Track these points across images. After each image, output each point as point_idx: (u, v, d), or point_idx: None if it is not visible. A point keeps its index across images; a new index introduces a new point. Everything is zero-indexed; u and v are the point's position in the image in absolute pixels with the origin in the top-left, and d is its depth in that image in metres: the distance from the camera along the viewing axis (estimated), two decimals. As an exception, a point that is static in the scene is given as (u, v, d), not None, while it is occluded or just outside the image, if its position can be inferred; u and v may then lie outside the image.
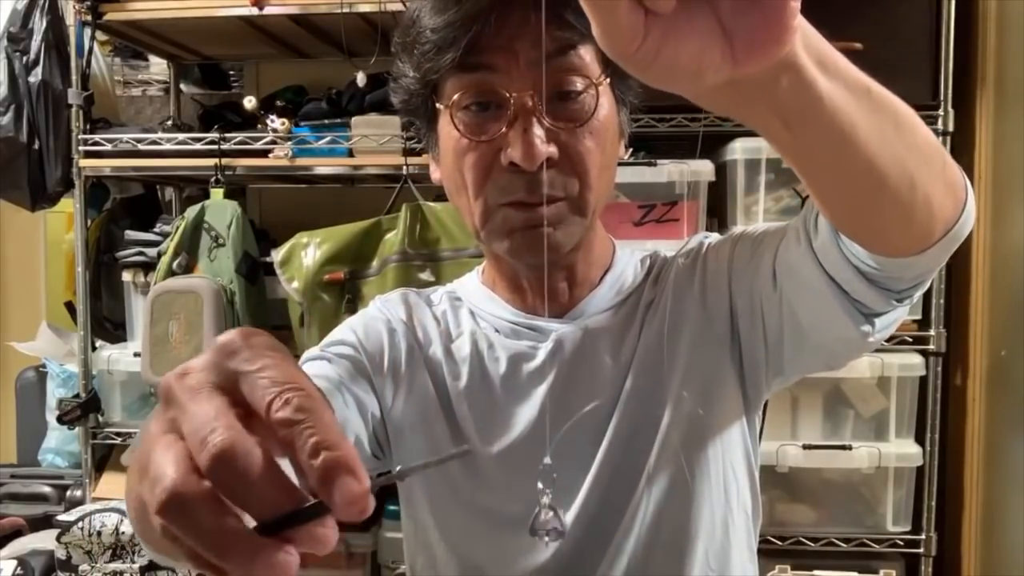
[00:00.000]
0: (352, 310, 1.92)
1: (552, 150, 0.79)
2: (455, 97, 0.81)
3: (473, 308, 0.94)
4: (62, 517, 2.13)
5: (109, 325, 2.43)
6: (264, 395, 0.40)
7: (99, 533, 2.01)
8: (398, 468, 0.45)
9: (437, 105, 0.83)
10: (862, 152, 0.54)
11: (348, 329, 0.93)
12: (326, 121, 2.14)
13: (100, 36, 2.32)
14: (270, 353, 0.43)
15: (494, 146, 0.80)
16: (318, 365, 0.87)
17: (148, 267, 2.24)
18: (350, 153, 2.10)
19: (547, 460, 0.61)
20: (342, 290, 2.01)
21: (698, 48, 0.41)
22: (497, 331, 0.91)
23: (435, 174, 0.91)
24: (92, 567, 2.03)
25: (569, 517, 0.85)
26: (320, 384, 0.82)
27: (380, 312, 0.95)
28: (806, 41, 0.47)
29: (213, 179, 2.15)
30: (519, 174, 0.79)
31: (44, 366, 2.77)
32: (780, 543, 1.96)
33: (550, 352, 0.88)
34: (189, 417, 0.40)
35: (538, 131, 0.78)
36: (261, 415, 0.40)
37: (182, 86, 2.75)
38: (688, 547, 0.84)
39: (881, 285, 0.69)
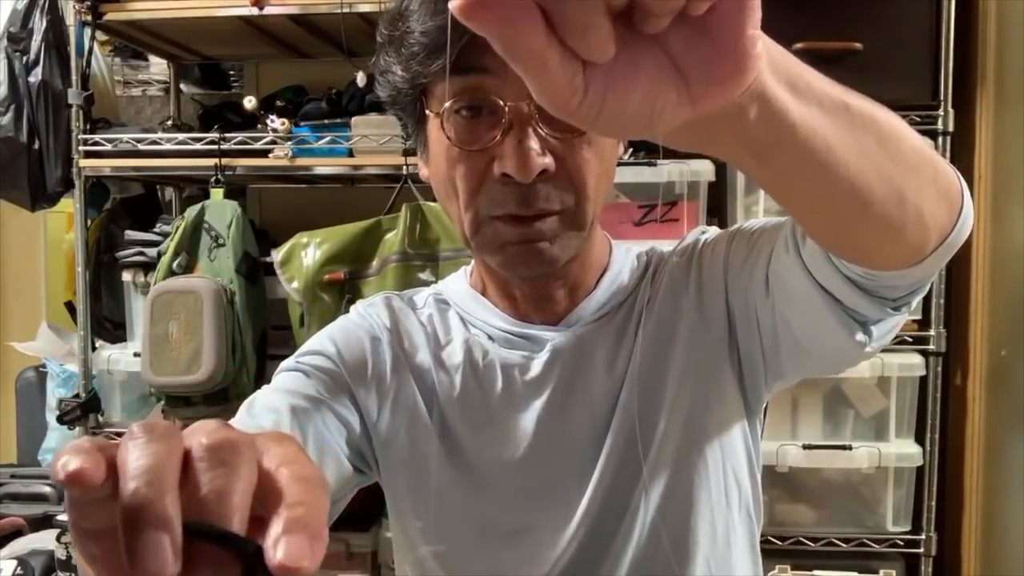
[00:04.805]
0: (352, 310, 1.93)
1: (548, 161, 0.75)
2: (447, 104, 0.76)
3: (462, 313, 0.90)
4: (62, 517, 2.13)
5: (109, 325, 2.43)
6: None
7: (99, 533, 2.01)
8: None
9: (427, 111, 0.80)
10: (842, 175, 0.51)
11: (327, 339, 0.88)
12: (326, 121, 2.14)
13: (100, 36, 2.32)
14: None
15: (486, 155, 0.76)
16: (294, 378, 0.83)
17: (148, 267, 2.23)
18: (350, 153, 2.10)
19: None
20: (342, 290, 2.01)
21: (648, 93, 0.37)
22: (490, 339, 0.88)
23: (423, 171, 0.87)
24: (92, 567, 2.03)
25: (570, 528, 0.83)
26: (299, 402, 0.80)
27: (362, 320, 0.90)
28: (773, 63, 0.42)
29: (213, 179, 2.15)
30: (512, 186, 0.75)
31: (44, 366, 2.77)
32: (780, 543, 1.96)
33: (547, 363, 0.85)
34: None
35: (534, 142, 0.74)
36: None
37: (182, 86, 2.75)
38: (689, 553, 0.82)
39: (875, 294, 0.66)
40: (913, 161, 0.55)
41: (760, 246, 0.78)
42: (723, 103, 0.39)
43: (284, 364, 0.86)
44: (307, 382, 0.83)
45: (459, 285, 0.93)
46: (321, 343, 0.88)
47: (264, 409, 0.79)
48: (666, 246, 0.93)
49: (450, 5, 0.34)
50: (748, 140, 0.45)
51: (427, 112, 0.79)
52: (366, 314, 0.91)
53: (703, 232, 0.90)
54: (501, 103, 0.74)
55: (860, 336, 0.69)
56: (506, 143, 0.74)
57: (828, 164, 0.49)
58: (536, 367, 0.85)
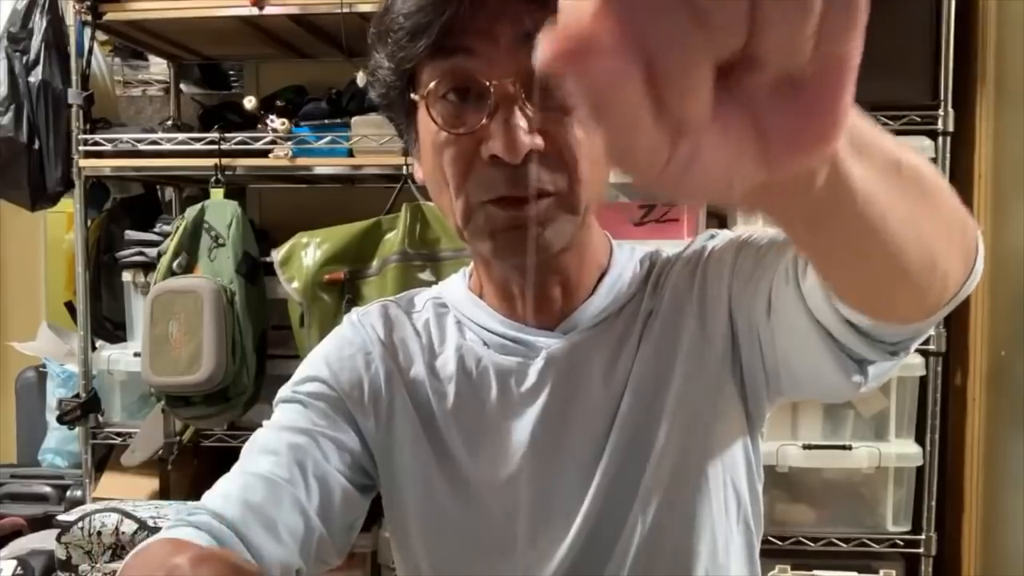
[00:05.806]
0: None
1: (537, 141, 0.72)
2: (431, 86, 0.74)
3: (460, 318, 0.88)
4: (62, 517, 2.12)
5: (109, 325, 2.43)
6: None
7: (99, 533, 2.01)
8: None
9: (413, 96, 0.78)
10: (888, 241, 0.48)
11: (321, 361, 0.87)
12: (326, 121, 2.14)
13: (100, 36, 2.32)
14: None
15: (475, 138, 0.73)
16: (292, 412, 0.84)
17: (148, 267, 2.24)
18: (350, 153, 2.11)
19: None
20: (342, 290, 2.01)
21: (734, 159, 0.33)
22: (486, 344, 0.86)
23: (418, 173, 0.85)
24: (92, 567, 2.03)
25: (566, 541, 0.82)
26: (296, 438, 0.81)
27: (355, 333, 0.89)
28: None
29: (213, 179, 2.15)
30: (502, 168, 0.73)
31: (44, 366, 2.77)
32: (780, 543, 1.96)
33: (542, 370, 0.83)
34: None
35: (521, 121, 0.71)
36: None
37: (182, 86, 2.75)
38: (688, 566, 0.81)
39: (874, 337, 0.64)
40: (948, 220, 0.54)
41: (766, 264, 0.76)
42: (800, 170, 0.35)
43: (282, 394, 0.86)
44: (304, 413, 0.83)
45: (458, 288, 0.91)
46: (315, 367, 0.87)
47: (263, 451, 0.80)
48: (667, 246, 0.91)
49: (537, 55, 0.30)
50: (807, 206, 0.42)
51: (414, 98, 0.77)
52: (360, 325, 0.90)
53: (711, 237, 0.87)
54: (487, 83, 0.72)
55: (856, 377, 0.68)
56: (493, 124, 0.72)
57: (875, 234, 0.47)
58: (532, 374, 0.83)
